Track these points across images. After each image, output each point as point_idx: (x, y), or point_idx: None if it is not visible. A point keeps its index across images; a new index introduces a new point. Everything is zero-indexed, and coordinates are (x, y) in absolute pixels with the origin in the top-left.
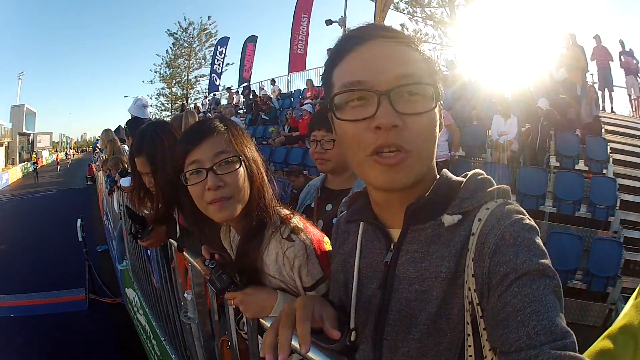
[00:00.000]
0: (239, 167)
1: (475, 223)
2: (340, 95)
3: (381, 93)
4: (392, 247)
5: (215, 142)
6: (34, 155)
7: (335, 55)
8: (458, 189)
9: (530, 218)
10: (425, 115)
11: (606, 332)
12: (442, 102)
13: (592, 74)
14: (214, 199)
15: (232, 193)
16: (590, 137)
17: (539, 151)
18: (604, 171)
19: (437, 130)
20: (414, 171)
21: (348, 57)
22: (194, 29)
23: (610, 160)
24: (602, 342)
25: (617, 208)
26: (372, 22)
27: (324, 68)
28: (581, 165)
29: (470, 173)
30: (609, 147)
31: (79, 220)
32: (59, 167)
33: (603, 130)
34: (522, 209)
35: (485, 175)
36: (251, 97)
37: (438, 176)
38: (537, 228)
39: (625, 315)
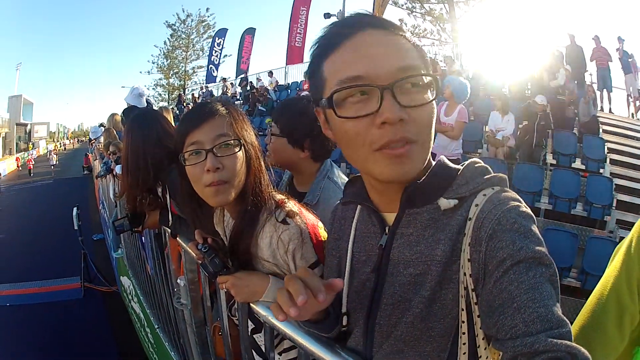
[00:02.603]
0: (239, 150)
1: (472, 208)
2: (339, 92)
3: (384, 87)
4: (387, 230)
5: (216, 125)
6: (30, 145)
7: (325, 47)
8: (455, 175)
9: (526, 206)
10: (428, 105)
11: (586, 304)
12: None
13: (590, 74)
14: (212, 182)
15: (229, 177)
16: (587, 136)
17: (536, 148)
18: (601, 170)
19: (435, 118)
20: (419, 161)
21: (340, 49)
22: (192, 21)
23: (607, 160)
24: (588, 308)
25: (614, 208)
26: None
27: (310, 59)
28: (578, 164)
29: (467, 161)
30: (606, 147)
31: (74, 209)
32: (31, 173)
33: (601, 130)
34: (518, 197)
35: (483, 164)
36: (248, 88)
37: (434, 162)
38: (534, 216)
39: (597, 289)
